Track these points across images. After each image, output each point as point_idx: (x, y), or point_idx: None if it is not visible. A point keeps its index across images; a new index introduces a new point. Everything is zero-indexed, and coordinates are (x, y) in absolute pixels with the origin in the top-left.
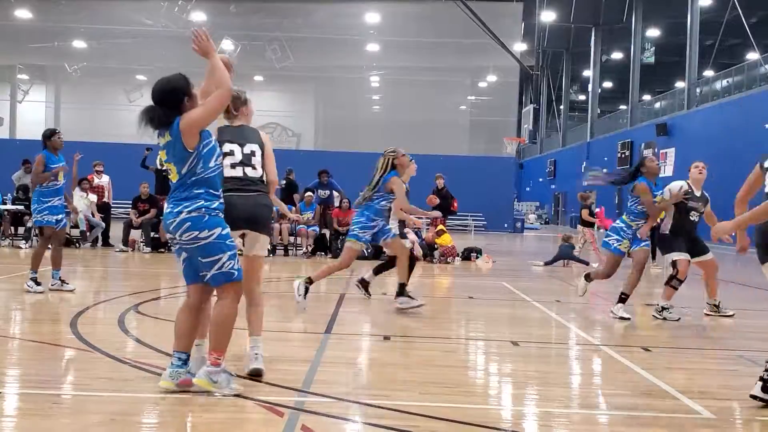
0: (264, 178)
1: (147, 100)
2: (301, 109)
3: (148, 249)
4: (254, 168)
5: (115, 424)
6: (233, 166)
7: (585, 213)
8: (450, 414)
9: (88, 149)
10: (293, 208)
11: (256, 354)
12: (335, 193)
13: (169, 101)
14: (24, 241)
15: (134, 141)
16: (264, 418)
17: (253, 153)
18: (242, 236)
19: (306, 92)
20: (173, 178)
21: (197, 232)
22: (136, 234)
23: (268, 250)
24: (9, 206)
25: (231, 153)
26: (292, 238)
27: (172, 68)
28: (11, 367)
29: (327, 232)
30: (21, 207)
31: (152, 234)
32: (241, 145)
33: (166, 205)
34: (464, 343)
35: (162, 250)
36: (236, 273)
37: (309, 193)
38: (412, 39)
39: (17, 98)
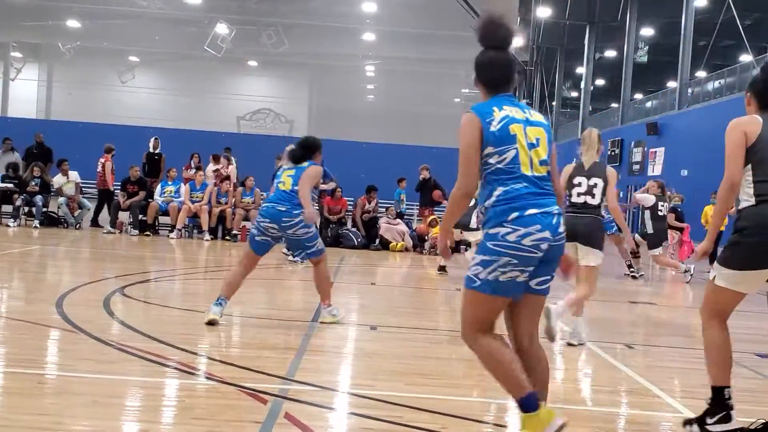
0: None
1: (139, 82)
2: (294, 95)
3: (136, 231)
4: None
5: (99, 406)
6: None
7: (672, 217)
8: (434, 405)
9: (79, 129)
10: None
11: None
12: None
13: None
14: (12, 219)
15: (125, 122)
16: (247, 405)
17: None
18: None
19: (300, 79)
20: (287, 187)
21: (307, 229)
22: (124, 216)
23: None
24: None
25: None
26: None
27: (164, 50)
28: None
29: (317, 220)
30: (10, 185)
31: (140, 216)
32: None
33: (280, 206)
34: (450, 335)
35: (148, 233)
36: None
37: None
38: (408, 29)
39: (10, 76)
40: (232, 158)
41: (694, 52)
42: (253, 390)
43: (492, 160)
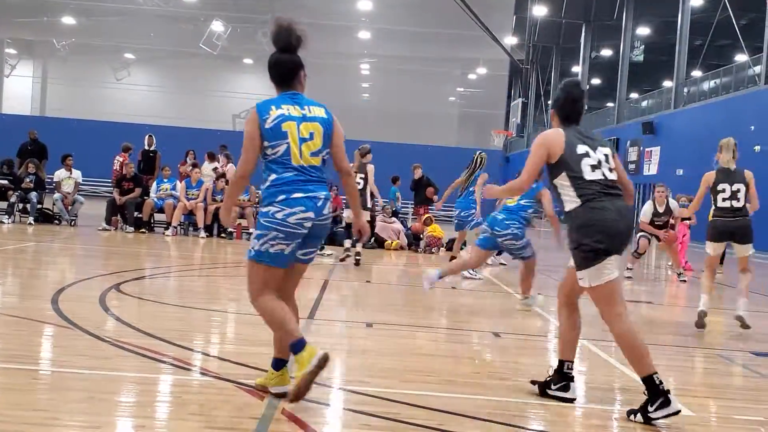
0: None
1: (134, 79)
2: None
3: (131, 229)
4: None
5: (94, 402)
6: None
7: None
8: (430, 402)
9: (74, 126)
10: None
11: None
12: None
13: None
14: (7, 216)
15: (120, 119)
16: (244, 401)
17: None
18: None
19: None
20: None
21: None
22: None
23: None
24: None
25: None
26: None
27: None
28: None
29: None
30: (4, 182)
31: (135, 213)
32: None
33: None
34: (446, 333)
35: (144, 230)
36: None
37: None
38: (404, 28)
39: (4, 72)
40: (231, 156)
41: (690, 52)
42: (250, 386)
43: (268, 152)
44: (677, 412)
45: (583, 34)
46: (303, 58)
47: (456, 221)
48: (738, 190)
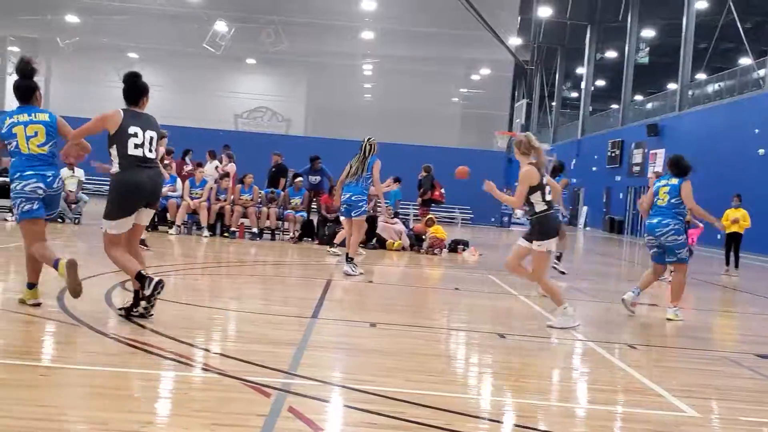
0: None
1: None
2: (292, 94)
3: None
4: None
5: (100, 398)
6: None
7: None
8: (435, 401)
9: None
10: (282, 193)
11: None
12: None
13: None
14: (10, 214)
15: None
16: (250, 398)
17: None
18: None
19: (298, 77)
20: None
21: None
22: None
23: (255, 233)
24: None
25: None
26: (279, 223)
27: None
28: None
29: (315, 218)
30: (8, 179)
31: None
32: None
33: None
34: (449, 333)
35: (148, 228)
36: None
37: (299, 179)
38: (407, 28)
39: (7, 70)
40: (233, 155)
41: (695, 54)
42: (257, 383)
43: (10, 147)
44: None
45: (588, 35)
46: (306, 57)
47: (344, 207)
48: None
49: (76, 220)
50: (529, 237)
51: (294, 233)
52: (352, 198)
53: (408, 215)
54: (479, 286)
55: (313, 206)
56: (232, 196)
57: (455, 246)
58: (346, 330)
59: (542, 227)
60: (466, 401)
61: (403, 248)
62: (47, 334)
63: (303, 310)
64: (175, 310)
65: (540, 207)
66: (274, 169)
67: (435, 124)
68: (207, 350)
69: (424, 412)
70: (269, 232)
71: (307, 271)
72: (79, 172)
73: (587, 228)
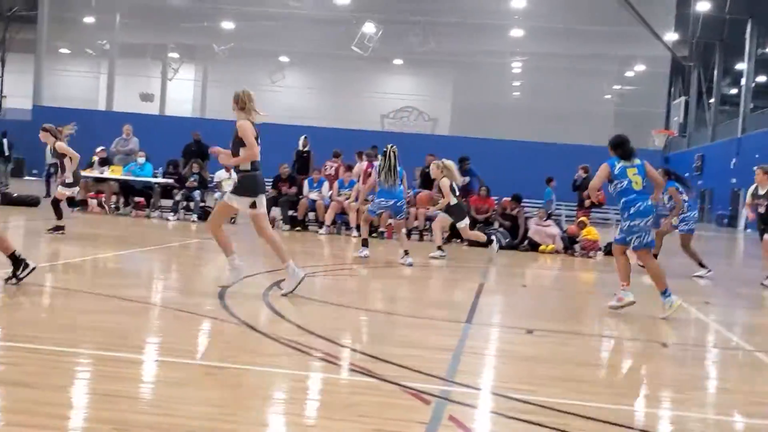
0: None
1: (289, 82)
2: (438, 93)
3: (287, 227)
4: None
5: (264, 399)
6: None
7: None
8: (602, 414)
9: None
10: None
11: None
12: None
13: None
14: (172, 214)
15: (274, 121)
16: (411, 405)
17: None
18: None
19: (445, 77)
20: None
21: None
22: (276, 211)
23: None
24: (159, 179)
25: None
26: (428, 224)
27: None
28: (161, 335)
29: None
30: (170, 181)
31: (290, 212)
32: None
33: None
34: (610, 341)
35: (299, 228)
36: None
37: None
38: (557, 25)
39: (167, 76)
40: (380, 156)
41: None
42: (416, 390)
43: None
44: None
45: (748, 29)
46: (453, 56)
47: (394, 210)
48: None
49: (232, 220)
50: None
51: (443, 235)
52: (398, 204)
53: (560, 216)
54: (638, 291)
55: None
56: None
57: (610, 249)
58: (501, 336)
59: None
60: (631, 413)
61: (557, 251)
62: (209, 334)
63: (456, 314)
64: (331, 312)
65: None
66: (427, 170)
67: (586, 122)
68: (364, 354)
69: (589, 424)
70: (417, 232)
71: (457, 273)
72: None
73: (747, 230)
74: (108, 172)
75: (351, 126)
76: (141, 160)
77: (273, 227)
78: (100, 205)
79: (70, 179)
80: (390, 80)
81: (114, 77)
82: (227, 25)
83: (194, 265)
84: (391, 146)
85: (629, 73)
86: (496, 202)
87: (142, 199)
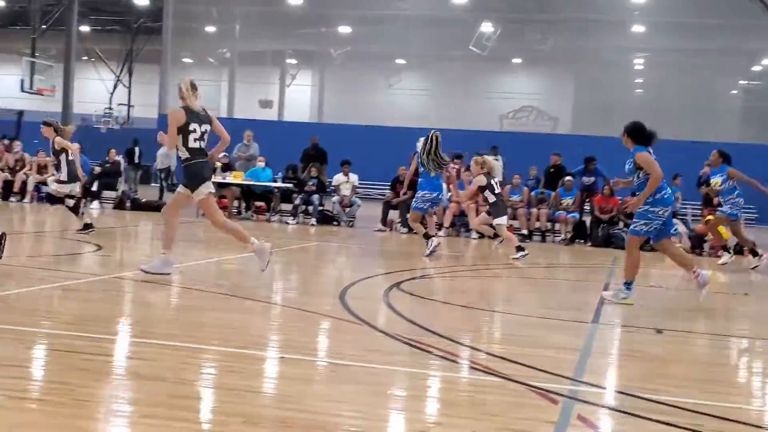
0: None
1: (406, 84)
2: (558, 91)
3: (405, 230)
4: None
5: (388, 396)
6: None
7: None
8: (741, 416)
9: (349, 131)
10: (552, 194)
11: None
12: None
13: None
14: (291, 217)
15: (392, 124)
16: (537, 404)
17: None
18: None
19: (564, 75)
20: None
21: None
22: (393, 214)
23: (525, 235)
24: (279, 184)
25: None
26: (549, 224)
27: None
28: (285, 333)
29: (587, 219)
30: (290, 185)
31: (408, 215)
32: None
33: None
34: (743, 342)
35: (416, 231)
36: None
37: (569, 178)
38: (681, 20)
39: (286, 82)
40: (500, 157)
41: None
42: (543, 389)
43: None
44: None
45: None
46: (573, 53)
47: (430, 204)
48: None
49: (351, 223)
50: None
51: (565, 235)
52: (439, 196)
53: (685, 215)
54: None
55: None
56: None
57: (740, 248)
58: (629, 336)
59: None
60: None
61: (684, 250)
62: (331, 332)
63: (581, 314)
64: (452, 312)
65: None
66: (552, 170)
67: (711, 117)
68: (490, 354)
69: (725, 426)
70: (539, 233)
71: (581, 273)
72: (353, 177)
73: None
74: (230, 178)
75: (469, 127)
76: (261, 165)
77: (391, 230)
78: (223, 209)
79: (64, 177)
80: (508, 80)
81: (235, 85)
82: (344, 29)
83: (314, 266)
84: (434, 132)
85: (756, 68)
86: (619, 201)
87: (262, 204)
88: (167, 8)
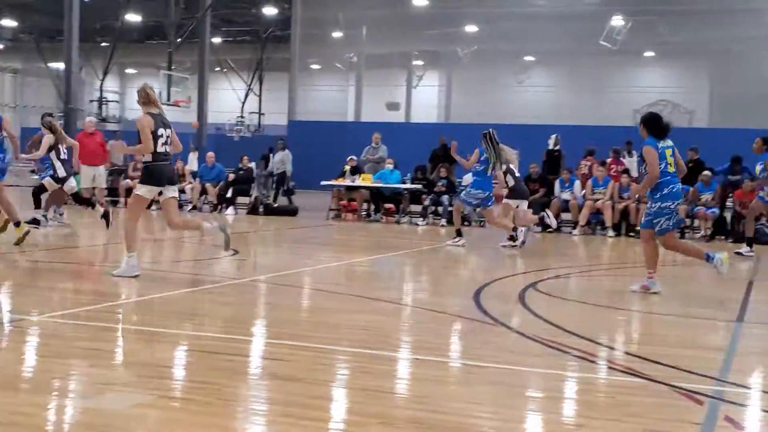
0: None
1: (535, 81)
2: (693, 84)
3: (539, 229)
4: None
5: (528, 398)
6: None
7: None
8: None
9: (478, 130)
10: (690, 189)
11: None
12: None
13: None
14: (421, 219)
15: (520, 122)
16: (682, 405)
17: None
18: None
19: (699, 67)
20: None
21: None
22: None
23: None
24: (408, 185)
25: None
26: (688, 220)
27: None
28: (417, 334)
29: (728, 215)
30: (419, 186)
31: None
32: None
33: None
34: None
35: (551, 230)
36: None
37: (707, 173)
38: None
39: (412, 84)
40: (633, 152)
41: None
42: (687, 390)
43: None
44: None
45: None
46: (708, 44)
47: (478, 203)
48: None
49: (481, 223)
50: None
51: (705, 231)
52: (490, 195)
53: None
54: None
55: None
56: (636, 195)
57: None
58: None
59: None
60: None
61: None
62: (465, 333)
63: (726, 313)
64: (588, 312)
65: None
66: (690, 165)
67: None
68: (630, 354)
69: None
70: (679, 230)
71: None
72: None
73: None
74: (359, 180)
75: (601, 123)
76: (389, 167)
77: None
78: (353, 212)
79: (62, 173)
80: (641, 73)
81: (362, 88)
82: (470, 28)
83: (445, 267)
84: (488, 130)
85: None
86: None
87: (391, 206)
88: (295, 16)
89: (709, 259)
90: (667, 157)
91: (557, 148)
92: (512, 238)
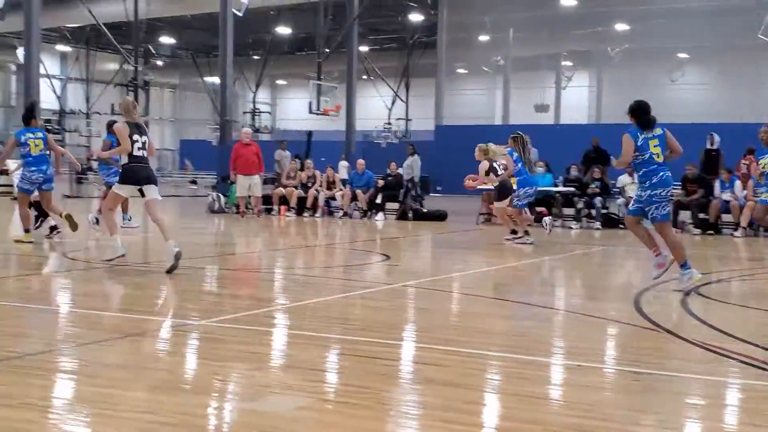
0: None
1: (689, 79)
2: None
3: (698, 231)
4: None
5: (691, 405)
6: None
7: None
8: None
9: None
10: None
11: None
12: None
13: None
14: (574, 222)
15: (675, 120)
16: None
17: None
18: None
19: None
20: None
21: None
22: (684, 215)
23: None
24: (560, 188)
25: None
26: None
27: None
28: (573, 340)
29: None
30: (572, 188)
31: (700, 215)
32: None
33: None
34: None
35: (711, 231)
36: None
37: None
38: None
39: (561, 85)
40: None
41: None
42: None
43: None
44: None
45: None
46: None
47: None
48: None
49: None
50: None
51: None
52: (536, 189)
53: None
54: None
55: None
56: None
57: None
58: None
59: None
60: None
61: None
62: (625, 338)
63: None
64: (749, 316)
65: None
66: None
67: None
68: None
69: None
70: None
71: None
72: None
73: None
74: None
75: (760, 120)
76: (541, 170)
77: (683, 231)
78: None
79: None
80: None
81: (509, 91)
82: (620, 26)
83: (600, 271)
84: (517, 132)
85: None
86: None
87: (543, 209)
88: (441, 22)
89: (684, 267)
90: (651, 148)
91: (715, 147)
92: (514, 232)
